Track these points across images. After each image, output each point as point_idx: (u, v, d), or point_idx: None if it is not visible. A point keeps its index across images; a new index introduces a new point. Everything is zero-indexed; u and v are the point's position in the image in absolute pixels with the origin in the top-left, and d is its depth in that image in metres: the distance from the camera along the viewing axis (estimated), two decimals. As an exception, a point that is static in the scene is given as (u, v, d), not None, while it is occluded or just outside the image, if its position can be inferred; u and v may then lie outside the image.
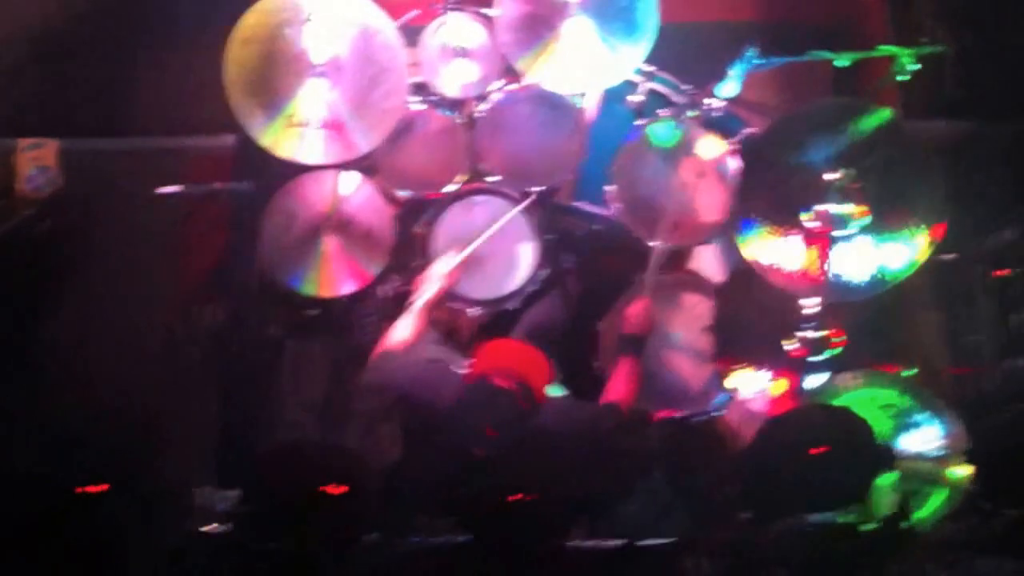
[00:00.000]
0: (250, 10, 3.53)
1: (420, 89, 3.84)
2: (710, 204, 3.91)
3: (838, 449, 2.62)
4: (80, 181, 4.10)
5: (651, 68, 3.89)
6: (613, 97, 4.01)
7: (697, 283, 4.05)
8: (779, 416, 3.23)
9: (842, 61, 3.46)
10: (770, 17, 4.41)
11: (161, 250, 4.10)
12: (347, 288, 3.84)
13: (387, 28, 3.58)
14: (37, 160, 4.06)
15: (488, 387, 3.03)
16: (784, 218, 3.52)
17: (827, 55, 3.47)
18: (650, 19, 3.62)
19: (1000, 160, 4.01)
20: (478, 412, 3.01)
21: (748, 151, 3.75)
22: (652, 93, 4.00)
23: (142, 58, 4.36)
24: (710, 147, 3.87)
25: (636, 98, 3.99)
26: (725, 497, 3.65)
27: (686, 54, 4.01)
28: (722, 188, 3.87)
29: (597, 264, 4.12)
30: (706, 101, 3.86)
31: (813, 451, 2.60)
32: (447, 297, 3.69)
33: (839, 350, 3.65)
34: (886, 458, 2.78)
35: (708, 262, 4.16)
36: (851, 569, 2.61)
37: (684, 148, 3.87)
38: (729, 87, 3.55)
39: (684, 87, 4.01)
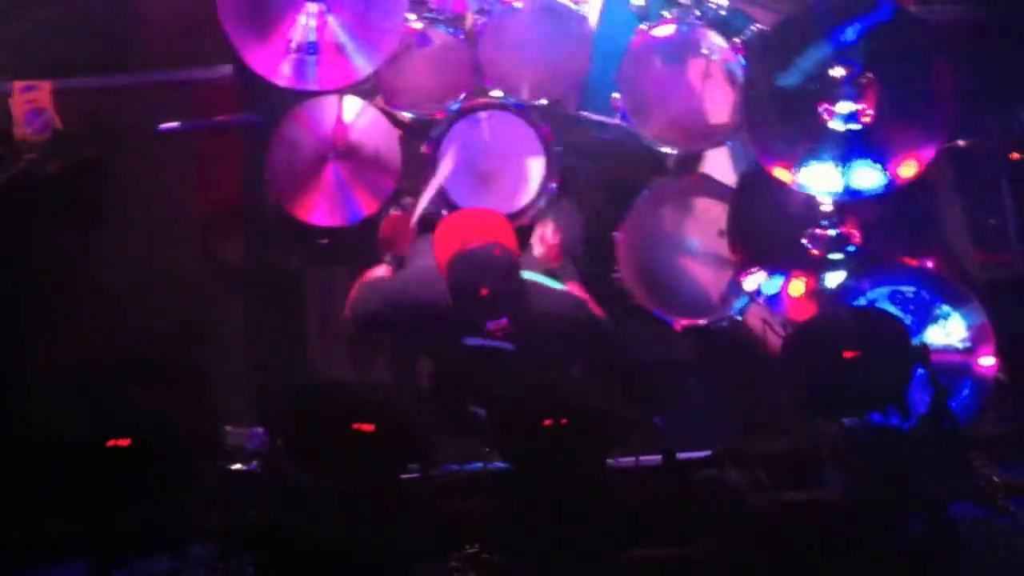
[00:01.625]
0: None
1: (418, 6, 3.73)
2: (718, 105, 3.83)
3: (873, 349, 2.59)
4: (78, 121, 4.00)
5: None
6: (613, 3, 3.89)
7: (709, 186, 4.00)
8: (810, 321, 3.20)
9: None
10: None
11: (174, 187, 4.03)
12: (359, 214, 3.78)
13: (381, -55, 3.45)
14: (32, 102, 3.98)
15: (468, 250, 3.03)
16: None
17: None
18: None
19: (1009, 41, 3.90)
20: (467, 276, 3.02)
21: (754, 52, 3.65)
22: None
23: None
24: (715, 47, 3.77)
25: (638, 1, 3.88)
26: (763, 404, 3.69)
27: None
28: (729, 89, 3.79)
29: (608, 173, 4.05)
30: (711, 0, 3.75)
31: (848, 354, 2.58)
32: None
33: (856, 246, 3.60)
34: (922, 354, 2.76)
35: (720, 165, 4.09)
36: (899, 470, 2.61)
37: (689, 49, 3.77)
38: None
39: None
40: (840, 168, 3.34)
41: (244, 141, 4.04)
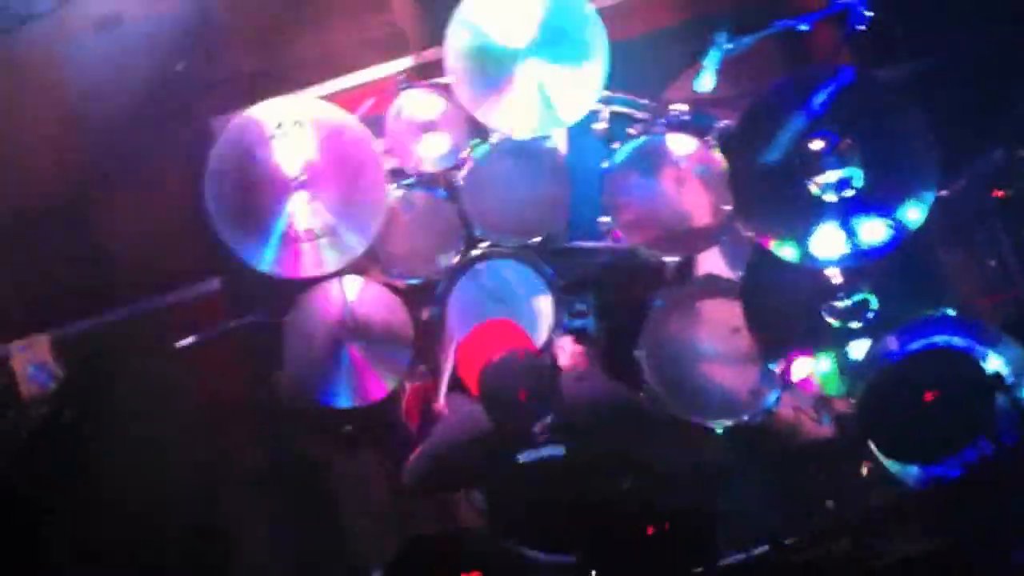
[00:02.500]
0: (216, 144, 3.46)
1: (396, 174, 3.80)
2: (700, 207, 3.89)
3: (951, 385, 2.56)
4: (80, 362, 3.99)
5: (606, 92, 3.85)
6: (577, 131, 3.99)
7: (713, 286, 4.01)
8: (878, 377, 3.16)
9: (804, 26, 3.45)
10: (696, 13, 4.43)
11: (187, 401, 3.98)
12: (382, 391, 3.74)
13: (352, 123, 3.53)
14: (32, 359, 3.94)
15: (494, 361, 3.03)
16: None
17: (789, 23, 3.46)
18: (600, 43, 3.61)
19: (967, 85, 4.03)
20: (501, 385, 3.01)
21: (729, 146, 3.73)
22: (614, 115, 3.99)
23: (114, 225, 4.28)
24: (685, 151, 3.86)
25: (601, 125, 3.98)
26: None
27: (629, 71, 4.01)
28: (707, 189, 3.86)
29: (617, 294, 4.07)
30: (671, 108, 3.85)
31: (929, 396, 2.54)
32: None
33: (875, 309, 3.61)
34: (998, 382, 2.72)
35: (716, 261, 4.12)
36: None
37: (662, 158, 3.85)
38: (706, 80, 3.53)
39: (644, 101, 4.01)
40: (844, 230, 3.35)
41: (251, 341, 4.00)
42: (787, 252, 3.40)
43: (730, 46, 3.41)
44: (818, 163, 3.43)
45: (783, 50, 4.25)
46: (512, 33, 3.57)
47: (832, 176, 3.42)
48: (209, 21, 4.58)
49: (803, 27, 3.42)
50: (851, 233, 3.37)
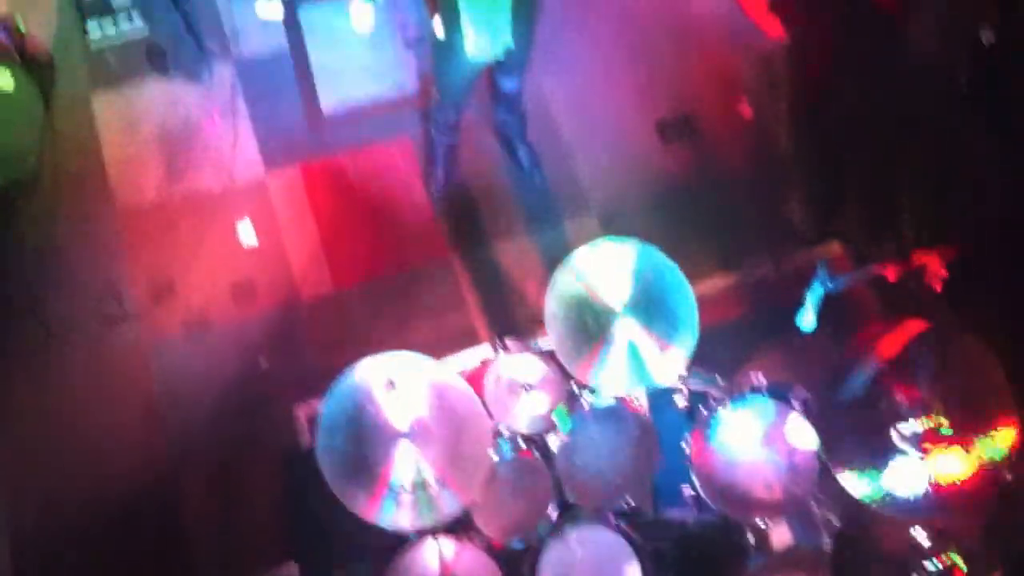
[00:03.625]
0: (328, 398, 3.63)
1: (495, 435, 3.92)
2: (780, 475, 3.98)
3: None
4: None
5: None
6: (659, 404, 4.18)
7: (799, 559, 4.02)
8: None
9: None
10: (757, 308, 4.81)
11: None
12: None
13: (458, 380, 3.71)
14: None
15: None
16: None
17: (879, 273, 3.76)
18: (692, 315, 3.85)
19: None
20: None
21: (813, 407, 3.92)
22: (693, 392, 4.20)
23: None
24: (767, 423, 4.04)
25: (680, 399, 4.18)
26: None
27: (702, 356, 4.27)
28: (796, 457, 3.99)
29: (699, 562, 4.06)
30: (751, 379, 4.08)
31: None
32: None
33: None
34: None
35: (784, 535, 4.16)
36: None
37: (746, 431, 4.02)
38: (808, 317, 3.75)
39: (721, 379, 4.25)
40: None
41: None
42: (864, 488, 3.46)
43: (831, 285, 3.67)
44: (899, 409, 3.60)
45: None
46: (613, 290, 3.82)
47: (916, 426, 3.59)
48: (294, 323, 4.87)
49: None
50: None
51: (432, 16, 4.20)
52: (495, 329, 4.82)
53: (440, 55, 4.34)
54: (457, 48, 4.15)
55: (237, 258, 5.00)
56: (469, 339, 4.82)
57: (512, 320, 4.86)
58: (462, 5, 3.95)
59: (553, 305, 3.84)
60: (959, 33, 4.97)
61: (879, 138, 4.86)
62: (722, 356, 4.42)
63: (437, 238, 5.06)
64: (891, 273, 3.66)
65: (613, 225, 5.03)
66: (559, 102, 5.32)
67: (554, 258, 4.77)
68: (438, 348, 4.67)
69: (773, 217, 5.04)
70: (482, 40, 4.10)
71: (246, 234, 5.05)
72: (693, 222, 5.00)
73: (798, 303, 4.66)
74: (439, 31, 4.18)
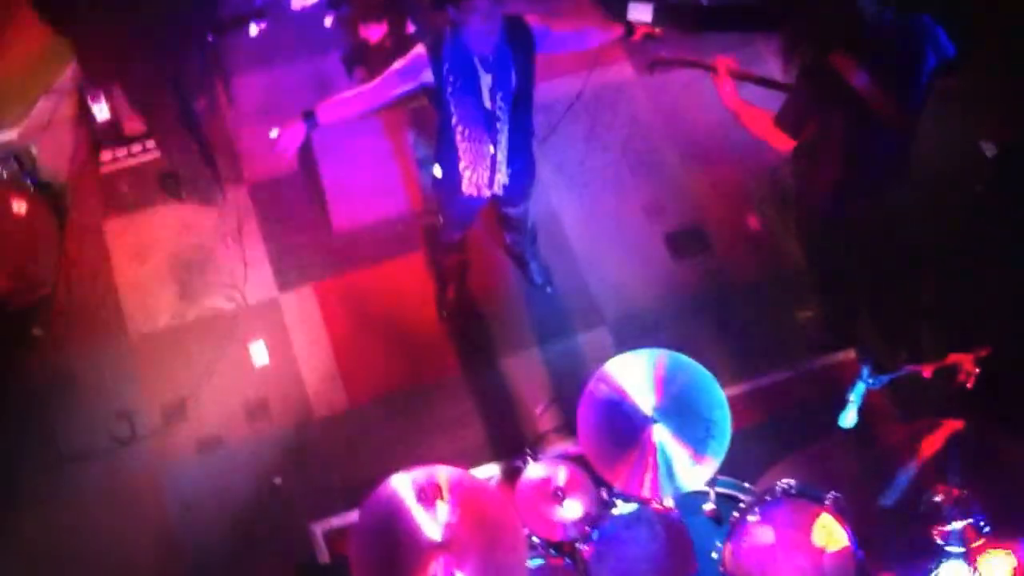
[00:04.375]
0: (360, 512, 3.57)
1: (528, 543, 3.84)
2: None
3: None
4: None
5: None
6: (687, 510, 4.13)
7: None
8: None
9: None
10: (771, 416, 4.81)
11: None
12: None
13: (490, 488, 3.68)
14: None
15: None
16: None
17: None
18: (724, 421, 3.83)
19: None
20: None
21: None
22: (720, 497, 4.16)
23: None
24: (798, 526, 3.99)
25: (710, 505, 4.13)
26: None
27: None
28: (829, 559, 3.93)
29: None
30: (775, 486, 4.04)
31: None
32: None
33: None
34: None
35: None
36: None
37: (778, 536, 3.96)
38: (850, 415, 3.71)
39: (748, 484, 4.22)
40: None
41: None
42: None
43: (872, 381, 3.68)
44: (941, 511, 3.58)
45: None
46: (645, 397, 3.82)
47: (956, 526, 3.56)
48: (308, 440, 4.82)
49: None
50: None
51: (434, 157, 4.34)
52: (517, 439, 4.76)
53: (441, 190, 4.45)
54: (455, 187, 4.27)
55: (250, 377, 4.97)
56: (486, 452, 4.75)
57: (528, 433, 4.81)
58: (459, 147, 4.06)
59: (586, 411, 3.81)
60: (961, 146, 5.16)
61: (892, 249, 4.97)
62: (745, 460, 4.38)
63: (450, 353, 5.06)
64: (927, 371, 3.69)
65: (626, 338, 5.03)
66: (568, 216, 5.41)
67: (568, 372, 4.84)
68: (454, 462, 4.65)
69: (787, 325, 5.06)
70: (479, 180, 4.21)
71: (259, 354, 5.03)
72: (707, 332, 5.03)
73: (817, 406, 4.71)
74: (437, 172, 4.29)
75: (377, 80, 3.91)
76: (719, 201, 5.44)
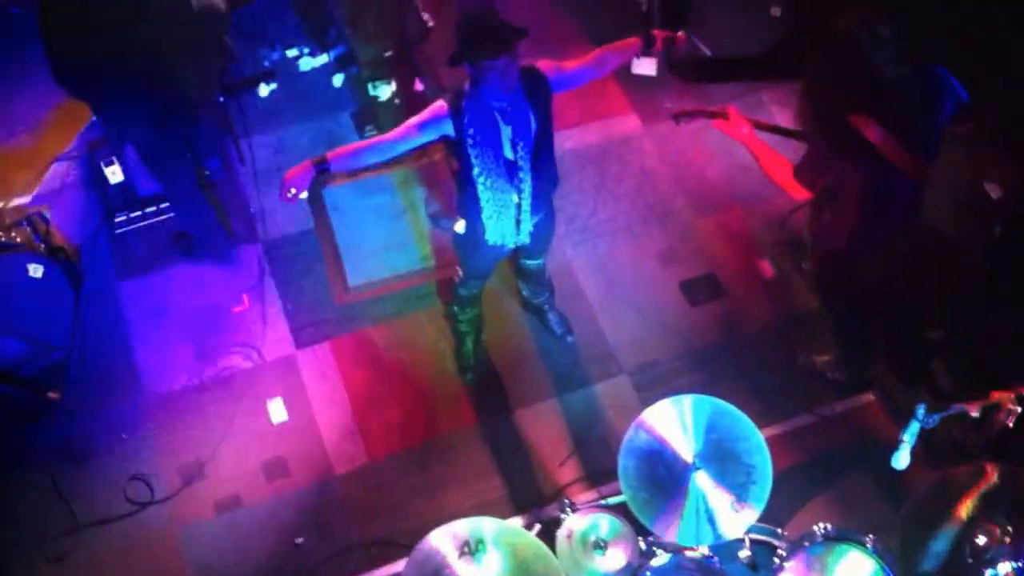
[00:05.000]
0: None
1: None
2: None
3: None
4: None
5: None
6: (723, 557, 4.10)
7: None
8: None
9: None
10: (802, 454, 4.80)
11: None
12: None
13: (532, 540, 3.66)
14: None
15: None
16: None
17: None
18: (766, 470, 3.82)
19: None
20: None
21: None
22: (756, 543, 4.13)
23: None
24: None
25: (745, 552, 4.10)
26: None
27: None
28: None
29: None
30: (816, 528, 4.02)
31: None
32: None
33: None
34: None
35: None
36: None
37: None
38: (904, 456, 3.67)
39: (782, 531, 4.19)
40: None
41: None
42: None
43: (928, 420, 3.65)
44: (987, 554, 3.55)
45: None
46: (686, 444, 3.82)
47: (1003, 568, 3.54)
48: (328, 497, 4.77)
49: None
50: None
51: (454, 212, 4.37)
52: (539, 491, 4.72)
53: (463, 242, 4.48)
54: (479, 238, 4.30)
55: (268, 436, 4.94)
56: (507, 504, 4.72)
57: (550, 484, 4.78)
58: (481, 197, 4.09)
59: (626, 460, 3.82)
60: (966, 187, 5.23)
61: (904, 290, 5.00)
62: (775, 506, 4.35)
63: (468, 406, 5.04)
64: (973, 409, 3.69)
65: (646, 385, 5.03)
66: (582, 267, 5.44)
67: (588, 421, 4.83)
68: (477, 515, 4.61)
69: (805, 369, 5.08)
70: (503, 229, 4.25)
71: (277, 411, 5.00)
72: (726, 378, 5.03)
73: (838, 449, 4.71)
74: (459, 226, 4.31)
75: (395, 131, 3.95)
76: (731, 248, 5.48)
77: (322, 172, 3.90)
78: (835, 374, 5.02)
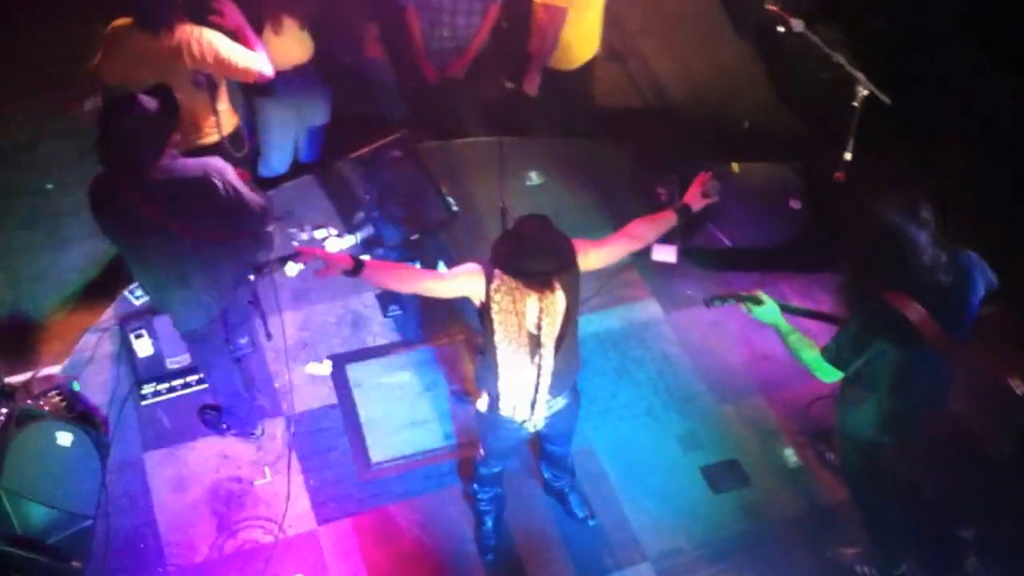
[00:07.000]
0: None
1: None
2: None
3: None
4: None
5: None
6: None
7: None
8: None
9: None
10: None
11: None
12: None
13: None
14: None
15: None
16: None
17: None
18: None
19: None
20: None
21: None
22: None
23: None
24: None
25: None
26: None
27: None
28: None
29: None
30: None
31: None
32: None
33: None
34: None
35: None
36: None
37: None
38: None
39: None
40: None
41: None
42: None
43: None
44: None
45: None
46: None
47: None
48: None
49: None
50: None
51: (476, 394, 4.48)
52: None
53: (484, 421, 4.54)
54: (501, 418, 4.36)
55: (288, 613, 4.84)
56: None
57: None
58: (499, 365, 4.18)
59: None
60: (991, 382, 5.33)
61: (933, 481, 5.03)
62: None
63: (490, 588, 4.97)
64: None
65: (668, 573, 4.99)
66: (603, 448, 5.47)
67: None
68: None
69: (833, 561, 5.04)
70: (517, 403, 4.32)
71: (296, 588, 4.93)
72: (751, 570, 4.99)
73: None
74: (482, 405, 4.40)
75: (429, 271, 4.06)
76: (754, 435, 5.53)
77: (357, 267, 4.10)
78: (864, 568, 4.97)
